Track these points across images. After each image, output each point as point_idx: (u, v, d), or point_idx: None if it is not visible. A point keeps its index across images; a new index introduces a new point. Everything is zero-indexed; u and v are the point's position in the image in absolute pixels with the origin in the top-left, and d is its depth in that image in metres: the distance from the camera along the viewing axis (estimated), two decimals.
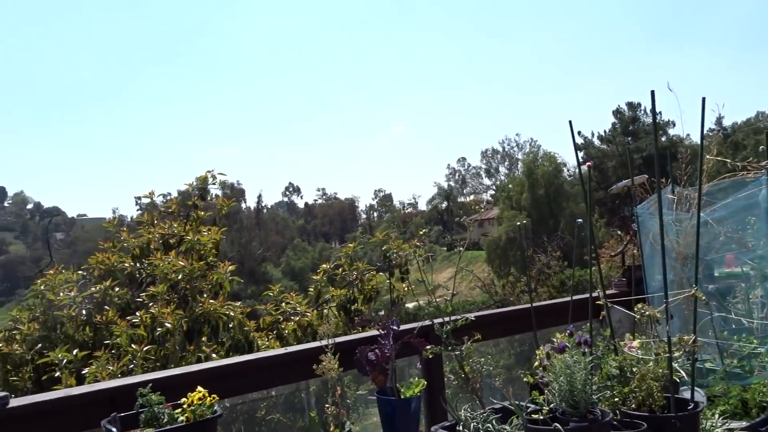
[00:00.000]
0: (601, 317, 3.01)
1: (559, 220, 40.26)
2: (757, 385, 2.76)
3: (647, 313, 2.37)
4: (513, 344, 5.65)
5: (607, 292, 4.40)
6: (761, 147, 3.48)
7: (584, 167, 2.86)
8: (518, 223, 3.46)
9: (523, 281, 15.67)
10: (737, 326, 3.39)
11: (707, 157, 3.15)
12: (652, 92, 2.54)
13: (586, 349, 2.06)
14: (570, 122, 2.93)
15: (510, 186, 52.91)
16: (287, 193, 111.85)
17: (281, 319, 5.61)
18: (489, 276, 30.88)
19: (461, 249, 2.92)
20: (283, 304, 5.78)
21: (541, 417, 1.98)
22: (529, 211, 43.16)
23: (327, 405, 2.54)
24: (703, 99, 2.63)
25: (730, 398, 2.71)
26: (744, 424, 2.48)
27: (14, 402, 2.22)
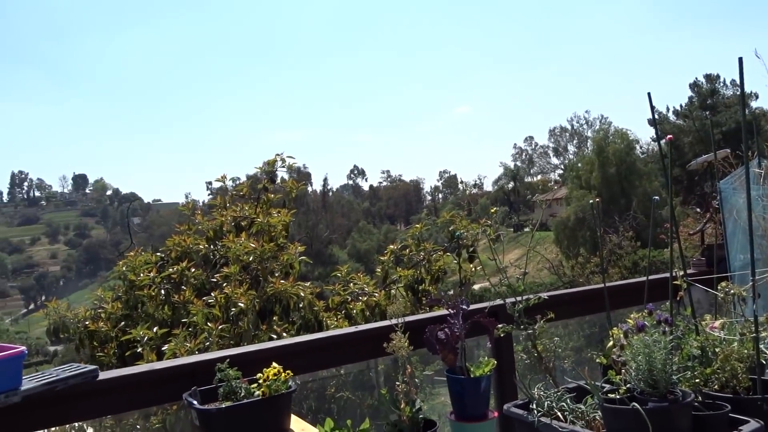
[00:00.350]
0: (678, 298, 2.90)
1: (631, 200, 38.87)
2: None
3: (732, 291, 2.26)
4: (583, 326, 5.53)
5: (688, 271, 4.24)
6: None
7: (663, 141, 2.74)
8: (590, 202, 3.36)
9: (593, 262, 15.27)
10: None
11: None
12: (740, 59, 2.40)
13: (666, 328, 1.98)
14: (648, 94, 2.81)
15: (579, 165, 51.36)
16: (352, 175, 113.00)
17: (349, 299, 5.69)
18: (557, 257, 30.28)
19: (532, 228, 2.87)
20: (351, 284, 5.86)
21: (618, 396, 1.92)
22: (600, 190, 41.82)
23: (397, 383, 2.55)
24: None
25: None
26: None
27: (102, 375, 2.35)
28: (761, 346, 2.37)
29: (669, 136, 2.61)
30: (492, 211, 3.15)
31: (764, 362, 2.36)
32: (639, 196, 39.47)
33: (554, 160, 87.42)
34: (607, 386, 2.10)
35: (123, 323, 5.05)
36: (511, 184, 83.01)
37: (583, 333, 5.70)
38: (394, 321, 2.67)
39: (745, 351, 2.16)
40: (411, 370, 2.64)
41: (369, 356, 3.38)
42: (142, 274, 5.27)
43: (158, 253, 5.66)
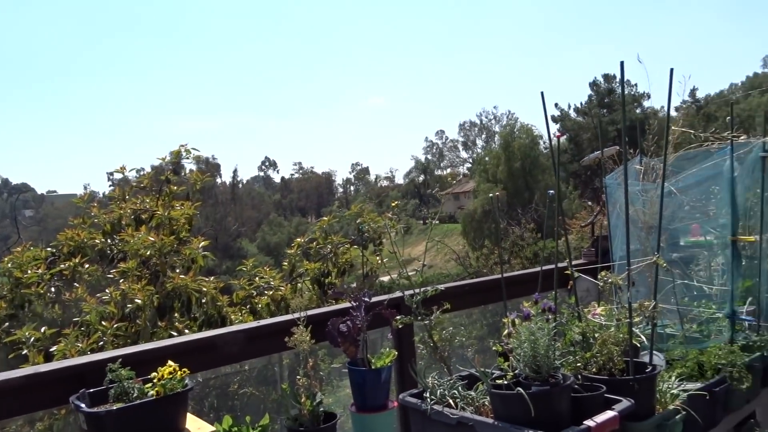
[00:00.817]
0: (569, 287, 3.07)
1: (534, 193, 40.57)
2: (713, 349, 2.85)
3: (609, 280, 2.43)
4: (486, 315, 5.74)
5: (577, 261, 4.50)
6: (727, 118, 3.55)
7: (556, 139, 2.89)
8: (490, 195, 3.50)
9: (497, 253, 15.89)
10: (698, 293, 3.49)
11: (673, 128, 3.21)
12: (621, 63, 2.57)
13: (550, 316, 2.10)
14: (542, 93, 2.94)
15: (486, 159, 53.07)
16: (263, 167, 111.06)
17: (255, 293, 5.61)
18: (464, 248, 31.14)
19: (433, 221, 2.94)
20: (257, 278, 5.78)
21: (505, 382, 2.02)
22: (505, 183, 43.40)
23: (298, 377, 2.56)
24: (671, 70, 2.67)
25: (688, 361, 2.80)
26: (699, 385, 2.57)
27: None
28: (636, 330, 2.56)
29: (557, 134, 2.76)
30: (393, 204, 3.21)
31: (638, 345, 2.56)
32: (541, 190, 41.19)
33: (463, 154, 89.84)
34: (497, 372, 2.20)
35: (7, 324, 4.73)
36: (421, 177, 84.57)
37: (486, 322, 5.92)
38: (296, 315, 2.67)
39: (621, 335, 2.32)
40: (313, 363, 2.65)
41: (271, 351, 3.36)
42: (30, 271, 4.96)
43: (48, 248, 5.34)
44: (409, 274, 2.78)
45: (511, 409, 1.96)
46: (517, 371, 2.08)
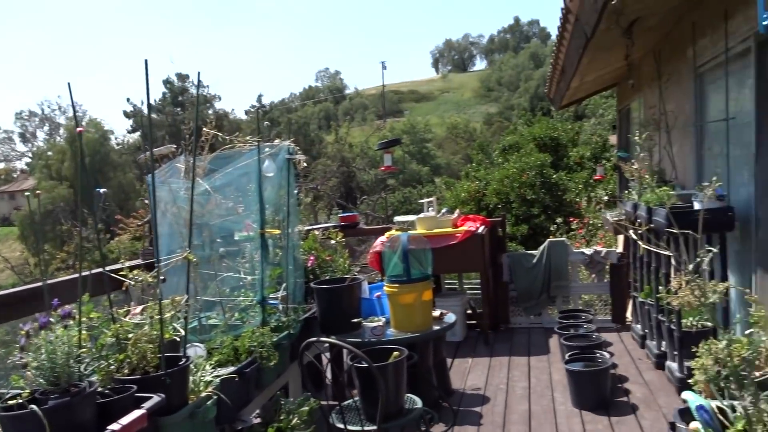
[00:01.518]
0: (124, 288, 2.96)
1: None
2: (247, 333, 3.12)
3: (140, 278, 2.43)
4: None
5: (135, 261, 4.39)
6: (266, 123, 3.94)
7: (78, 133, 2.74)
8: (27, 194, 3.11)
9: (59, 258, 14.44)
10: (243, 283, 3.79)
11: (204, 130, 3.40)
12: (146, 61, 2.57)
13: (70, 322, 1.98)
14: (69, 84, 2.74)
15: (50, 153, 47.82)
16: None
17: None
18: (23, 255, 27.40)
19: None
20: None
21: (20, 400, 1.83)
22: (72, 181, 39.81)
23: None
24: (198, 73, 2.81)
25: (225, 348, 3.01)
26: (232, 369, 2.78)
27: None
28: (177, 325, 2.63)
29: (79, 129, 2.64)
30: None
31: (178, 339, 2.62)
32: (114, 188, 39.29)
33: (21, 147, 78.98)
34: (14, 392, 1.97)
35: None
36: None
37: None
38: None
39: (155, 332, 2.34)
40: None
41: None
42: None
43: None
44: None
45: (26, 431, 1.78)
46: (34, 386, 1.90)
